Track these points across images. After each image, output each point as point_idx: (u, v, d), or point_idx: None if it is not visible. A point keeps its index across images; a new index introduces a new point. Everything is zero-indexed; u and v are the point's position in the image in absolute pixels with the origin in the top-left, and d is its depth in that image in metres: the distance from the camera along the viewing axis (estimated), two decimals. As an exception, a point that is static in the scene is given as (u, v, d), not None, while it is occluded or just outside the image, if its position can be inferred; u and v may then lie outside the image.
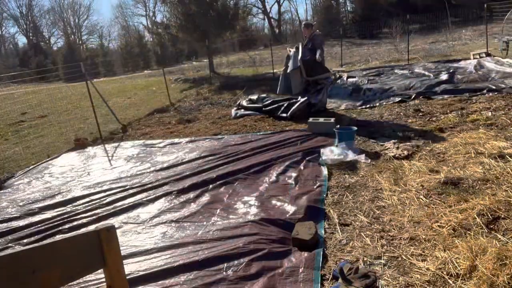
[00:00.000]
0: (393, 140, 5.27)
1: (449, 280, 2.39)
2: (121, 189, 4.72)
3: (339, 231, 3.19)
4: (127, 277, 2.23)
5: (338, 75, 11.92)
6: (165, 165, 5.49)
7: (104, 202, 4.38)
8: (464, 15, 22.74)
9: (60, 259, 1.11)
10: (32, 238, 3.70)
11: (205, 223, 3.59)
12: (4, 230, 3.91)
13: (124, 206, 4.19)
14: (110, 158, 6.40)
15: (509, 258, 2.40)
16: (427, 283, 2.39)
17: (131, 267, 2.91)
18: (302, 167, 4.75)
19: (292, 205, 3.70)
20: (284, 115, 7.56)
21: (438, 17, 23.31)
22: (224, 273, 2.74)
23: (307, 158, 5.00)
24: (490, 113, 5.94)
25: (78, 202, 4.48)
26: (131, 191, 4.59)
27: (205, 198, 4.17)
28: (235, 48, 38.87)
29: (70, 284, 2.33)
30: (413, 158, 4.58)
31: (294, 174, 4.52)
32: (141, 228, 3.64)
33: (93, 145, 7.46)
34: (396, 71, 11.27)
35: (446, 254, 2.62)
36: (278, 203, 3.82)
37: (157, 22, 21.96)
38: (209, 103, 10.93)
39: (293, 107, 7.50)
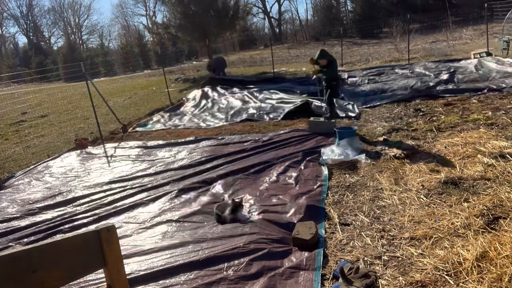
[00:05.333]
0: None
1: (449, 280, 2.38)
2: (121, 189, 4.72)
3: (339, 230, 3.19)
4: (128, 277, 2.23)
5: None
6: (165, 164, 5.49)
7: (105, 202, 4.38)
8: (464, 15, 22.70)
9: (61, 259, 1.11)
10: (33, 238, 3.70)
11: (205, 222, 3.59)
12: (5, 229, 3.91)
13: (125, 206, 4.19)
14: (110, 158, 6.40)
15: (510, 258, 2.39)
16: (427, 282, 2.39)
17: (132, 267, 2.91)
18: (302, 167, 4.75)
19: (292, 204, 3.70)
20: None
21: (438, 17, 23.29)
22: (224, 272, 2.74)
23: (307, 158, 5.00)
24: (490, 113, 5.94)
25: (78, 202, 4.48)
26: (131, 191, 4.59)
27: (206, 198, 4.17)
28: (235, 47, 38.87)
29: (70, 284, 2.33)
30: (413, 157, 4.58)
31: (294, 174, 4.51)
32: (142, 228, 3.64)
33: (93, 145, 7.46)
34: (396, 70, 11.27)
35: (446, 254, 2.62)
36: (279, 203, 3.81)
37: (157, 22, 21.94)
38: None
39: None
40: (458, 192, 3.49)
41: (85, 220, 3.97)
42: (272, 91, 10.31)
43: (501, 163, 3.93)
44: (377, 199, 3.68)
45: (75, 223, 3.93)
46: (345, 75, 11.43)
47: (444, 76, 9.22)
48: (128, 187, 4.76)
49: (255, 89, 10.90)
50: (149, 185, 4.71)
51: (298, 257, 2.83)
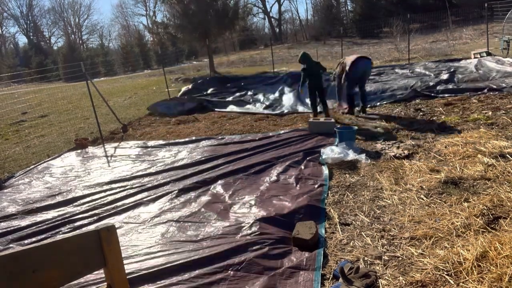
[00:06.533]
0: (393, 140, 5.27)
1: (450, 280, 2.38)
2: (122, 188, 4.72)
3: (339, 230, 3.19)
4: (128, 277, 2.23)
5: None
6: (165, 164, 5.49)
7: (105, 201, 4.38)
8: (464, 14, 22.72)
9: (61, 259, 1.11)
10: (33, 238, 3.70)
11: (205, 222, 3.59)
12: (5, 230, 3.91)
13: (125, 206, 4.19)
14: (110, 157, 6.40)
15: (510, 258, 2.39)
16: (427, 282, 2.39)
17: (132, 267, 2.91)
18: (302, 167, 4.74)
19: (292, 204, 3.70)
20: None
21: (438, 17, 23.31)
22: (224, 272, 2.74)
23: (307, 158, 5.00)
24: (490, 113, 5.94)
25: (78, 202, 4.48)
26: (131, 191, 4.59)
27: (206, 198, 4.17)
28: (235, 47, 38.88)
29: (70, 283, 2.33)
30: (413, 157, 4.58)
31: (294, 174, 4.51)
32: (142, 228, 3.64)
33: (93, 145, 7.46)
34: (396, 70, 11.27)
35: (446, 254, 2.62)
36: (279, 203, 3.81)
37: (157, 22, 21.97)
38: (209, 103, 10.90)
39: None
40: (458, 192, 3.49)
41: (85, 220, 3.97)
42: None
43: (501, 163, 3.93)
44: (377, 199, 3.68)
45: (75, 223, 3.93)
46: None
47: (444, 76, 9.21)
48: (128, 187, 4.76)
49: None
50: (149, 185, 4.71)
51: (298, 257, 2.83)
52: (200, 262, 2.88)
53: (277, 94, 10.26)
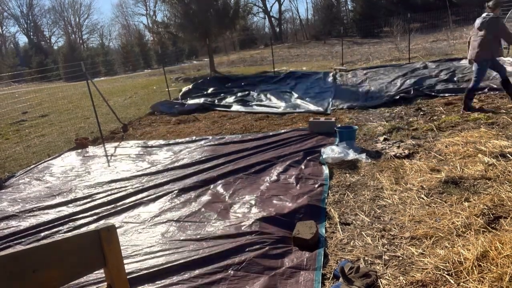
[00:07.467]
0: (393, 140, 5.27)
1: (450, 280, 2.38)
2: (122, 188, 4.72)
3: (340, 230, 3.19)
4: (128, 277, 2.23)
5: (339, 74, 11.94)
6: (165, 164, 5.49)
7: (105, 201, 4.38)
8: (465, 14, 22.70)
9: (61, 258, 1.11)
10: (33, 238, 3.70)
11: (206, 222, 3.59)
12: (5, 229, 3.92)
13: (125, 206, 4.19)
14: (110, 157, 6.40)
15: (510, 257, 2.39)
16: (428, 282, 2.39)
17: (132, 267, 2.91)
18: (303, 167, 4.74)
19: (293, 204, 3.70)
20: None
21: (439, 16, 23.29)
22: (224, 272, 2.74)
23: (308, 158, 5.00)
24: (491, 112, 5.93)
25: (78, 202, 4.48)
26: (131, 191, 4.59)
27: (206, 198, 4.17)
28: (235, 47, 38.89)
29: (70, 283, 2.33)
30: (414, 157, 4.58)
31: (295, 174, 4.51)
32: (142, 228, 3.64)
33: (93, 145, 7.46)
34: (397, 70, 11.26)
35: (447, 253, 2.61)
36: (279, 203, 3.81)
37: (157, 21, 21.96)
38: (209, 102, 10.91)
39: None
40: (458, 192, 3.48)
41: (85, 220, 3.97)
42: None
43: (502, 162, 3.93)
44: (377, 198, 3.68)
45: (75, 222, 3.93)
46: (347, 75, 11.43)
47: (445, 76, 9.20)
48: (129, 186, 4.76)
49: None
50: (150, 185, 4.71)
51: (299, 257, 2.83)
52: (200, 261, 2.88)
53: (277, 93, 10.27)
